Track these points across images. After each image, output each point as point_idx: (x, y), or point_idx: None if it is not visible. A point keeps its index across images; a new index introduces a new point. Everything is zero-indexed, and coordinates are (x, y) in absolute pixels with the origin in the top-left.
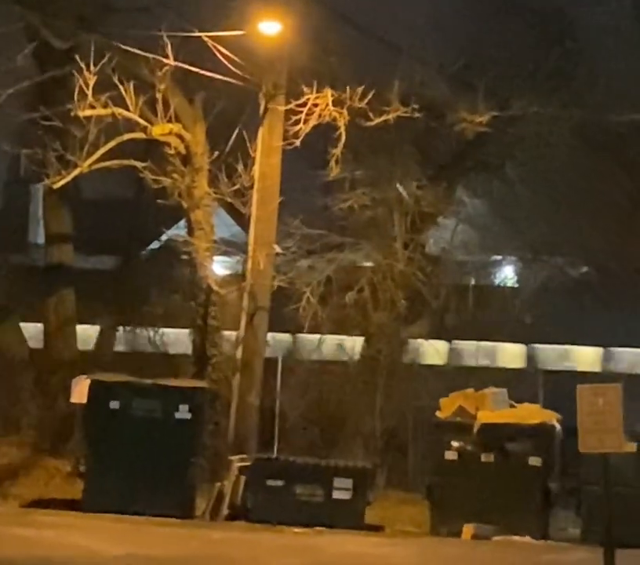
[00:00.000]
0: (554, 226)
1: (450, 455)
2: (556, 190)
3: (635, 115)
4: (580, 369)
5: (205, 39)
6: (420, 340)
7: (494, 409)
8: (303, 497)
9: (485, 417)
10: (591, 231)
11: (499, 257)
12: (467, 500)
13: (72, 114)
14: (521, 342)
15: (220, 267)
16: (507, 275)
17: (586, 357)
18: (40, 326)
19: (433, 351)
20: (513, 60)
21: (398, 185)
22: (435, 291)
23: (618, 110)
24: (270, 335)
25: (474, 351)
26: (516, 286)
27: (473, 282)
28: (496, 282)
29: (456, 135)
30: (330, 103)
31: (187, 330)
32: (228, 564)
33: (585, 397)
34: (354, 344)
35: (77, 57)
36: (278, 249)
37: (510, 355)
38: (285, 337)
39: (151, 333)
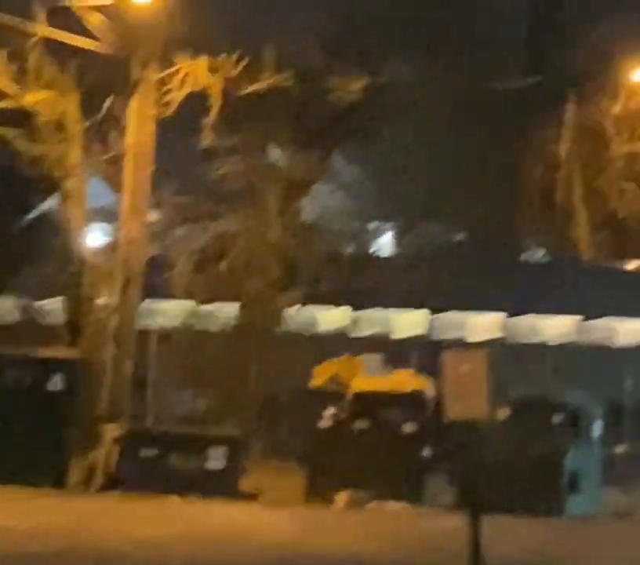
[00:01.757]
0: (432, 193)
1: (324, 423)
2: (434, 157)
3: (511, 82)
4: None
5: (76, 8)
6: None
7: (368, 376)
8: (177, 466)
9: (358, 384)
10: (469, 198)
11: (376, 224)
12: (342, 467)
13: None
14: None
15: (101, 235)
16: (383, 242)
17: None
18: None
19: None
20: (387, 27)
21: (275, 149)
22: (309, 259)
23: (494, 77)
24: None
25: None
26: (393, 252)
27: (348, 249)
28: (373, 249)
29: (330, 103)
30: (203, 71)
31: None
32: (97, 534)
33: (450, 363)
34: (230, 312)
35: None
36: (151, 217)
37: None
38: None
39: (26, 303)
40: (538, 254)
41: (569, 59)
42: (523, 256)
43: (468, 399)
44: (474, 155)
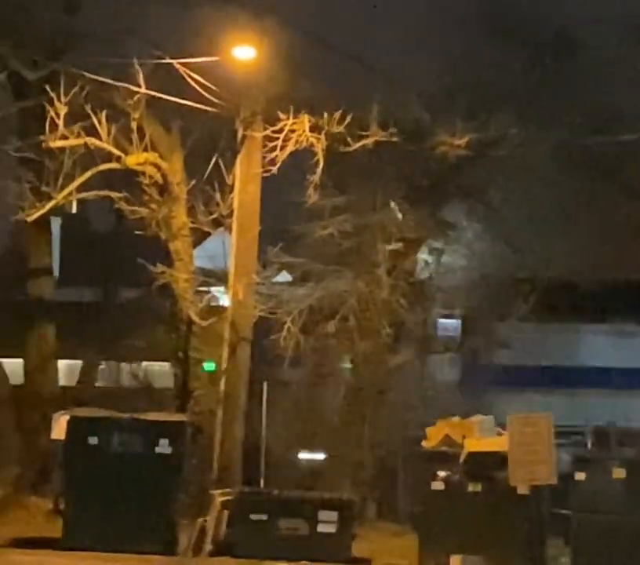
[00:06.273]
0: (555, 248)
1: (437, 485)
2: (548, 214)
3: (619, 136)
4: None
5: (178, 66)
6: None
7: (481, 437)
8: (288, 530)
9: (471, 445)
10: (590, 256)
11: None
12: (455, 531)
13: (43, 145)
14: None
15: (215, 297)
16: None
17: None
18: (21, 361)
19: None
20: (493, 82)
21: (392, 205)
22: (420, 319)
23: (604, 130)
24: None
25: None
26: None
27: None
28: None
29: (437, 158)
30: (307, 129)
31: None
32: None
33: (515, 427)
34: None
35: (47, 87)
36: (257, 278)
37: None
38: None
39: (134, 367)
40: None
41: None
42: None
43: (532, 463)
44: (594, 212)
